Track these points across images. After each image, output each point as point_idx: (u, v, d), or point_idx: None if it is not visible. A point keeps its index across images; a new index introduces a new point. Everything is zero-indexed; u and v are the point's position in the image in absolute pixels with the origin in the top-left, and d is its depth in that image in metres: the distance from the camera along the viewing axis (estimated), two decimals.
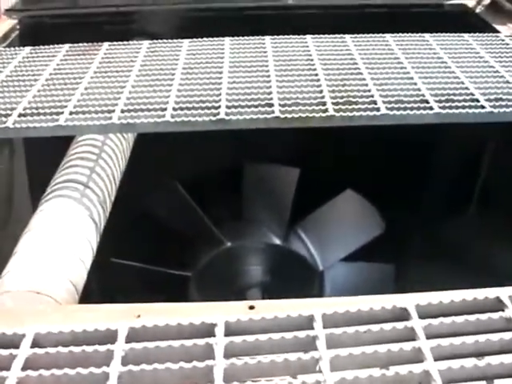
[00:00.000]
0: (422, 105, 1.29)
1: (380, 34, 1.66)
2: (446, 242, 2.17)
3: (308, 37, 1.64)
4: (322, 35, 1.64)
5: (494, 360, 0.73)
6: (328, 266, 2.39)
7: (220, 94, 1.33)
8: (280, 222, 2.33)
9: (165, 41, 1.63)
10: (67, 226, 1.22)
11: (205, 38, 1.63)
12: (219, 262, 2.28)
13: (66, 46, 1.62)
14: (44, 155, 1.66)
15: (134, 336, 0.79)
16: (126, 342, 0.78)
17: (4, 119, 1.25)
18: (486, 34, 1.70)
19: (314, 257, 2.36)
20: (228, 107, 1.28)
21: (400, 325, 0.78)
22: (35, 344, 0.78)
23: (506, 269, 1.67)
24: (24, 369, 0.74)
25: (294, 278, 2.26)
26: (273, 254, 2.32)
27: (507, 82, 1.39)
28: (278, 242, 2.34)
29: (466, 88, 1.36)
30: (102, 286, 2.17)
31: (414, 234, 2.44)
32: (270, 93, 1.33)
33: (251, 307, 0.87)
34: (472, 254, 1.94)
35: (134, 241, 2.27)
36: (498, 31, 1.81)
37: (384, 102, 1.30)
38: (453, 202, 2.20)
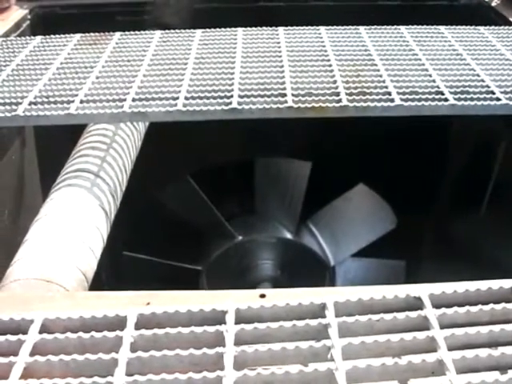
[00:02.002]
0: (436, 96, 1.28)
1: (395, 26, 1.64)
2: (458, 241, 2.15)
3: (322, 28, 1.62)
4: (335, 26, 1.63)
5: (509, 350, 0.71)
6: (339, 262, 2.38)
7: (232, 84, 1.32)
8: (291, 217, 2.33)
9: (177, 31, 1.62)
10: (77, 215, 1.21)
11: (217, 29, 1.62)
12: (230, 255, 2.28)
13: (78, 36, 1.61)
14: (55, 145, 1.66)
15: (143, 322, 0.78)
16: (136, 329, 0.77)
17: (14, 107, 1.25)
18: (501, 27, 1.69)
19: (325, 252, 2.36)
20: (240, 97, 1.26)
21: (413, 314, 0.77)
22: (44, 329, 0.77)
23: None
24: (32, 354, 0.74)
25: (305, 272, 2.25)
26: (284, 248, 2.32)
27: None
28: (289, 236, 2.34)
29: (482, 80, 1.35)
30: (112, 278, 2.17)
31: (426, 231, 2.43)
32: (283, 83, 1.32)
33: (262, 295, 0.86)
34: (484, 253, 1.93)
35: (144, 234, 2.27)
36: None
37: (398, 93, 1.28)
38: (465, 200, 2.18)
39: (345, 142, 2.24)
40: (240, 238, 2.29)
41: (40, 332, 0.77)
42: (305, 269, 2.27)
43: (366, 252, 2.36)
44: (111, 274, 2.19)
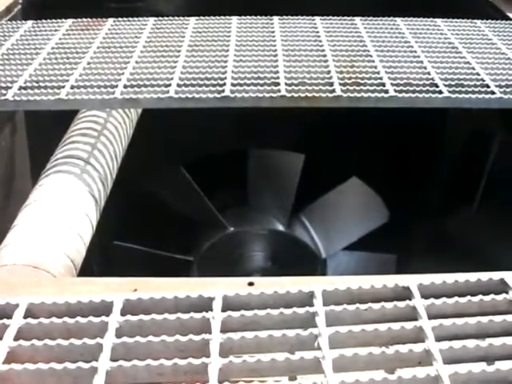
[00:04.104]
0: (431, 88, 1.27)
1: (391, 18, 1.64)
2: (451, 236, 2.15)
3: (317, 18, 1.61)
4: (331, 17, 1.62)
5: (496, 341, 0.71)
6: (331, 254, 2.37)
7: (226, 72, 1.31)
8: (284, 209, 2.32)
9: (171, 18, 1.61)
10: (66, 201, 1.20)
11: (212, 17, 1.61)
12: (222, 247, 2.27)
13: (70, 21, 1.59)
14: (45, 131, 1.64)
15: (129, 308, 0.77)
16: (121, 315, 0.76)
17: (4, 92, 1.24)
18: (498, 21, 1.68)
19: (317, 244, 2.35)
20: (233, 85, 1.26)
21: (402, 304, 0.76)
22: (28, 314, 0.77)
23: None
24: (16, 338, 0.73)
25: (297, 265, 2.24)
26: (276, 240, 2.31)
27: None
28: (281, 228, 2.33)
29: (477, 73, 1.34)
30: (102, 268, 2.16)
31: (419, 225, 2.42)
32: (276, 72, 1.31)
33: (251, 283, 0.85)
34: (477, 248, 1.92)
35: (136, 223, 2.26)
36: (511, 19, 1.78)
37: (392, 85, 1.28)
38: (459, 195, 2.18)
39: (339, 135, 2.23)
40: (232, 229, 2.28)
41: (25, 316, 0.76)
42: (296, 261, 2.26)
43: (358, 245, 2.36)
44: (101, 263, 2.18)
